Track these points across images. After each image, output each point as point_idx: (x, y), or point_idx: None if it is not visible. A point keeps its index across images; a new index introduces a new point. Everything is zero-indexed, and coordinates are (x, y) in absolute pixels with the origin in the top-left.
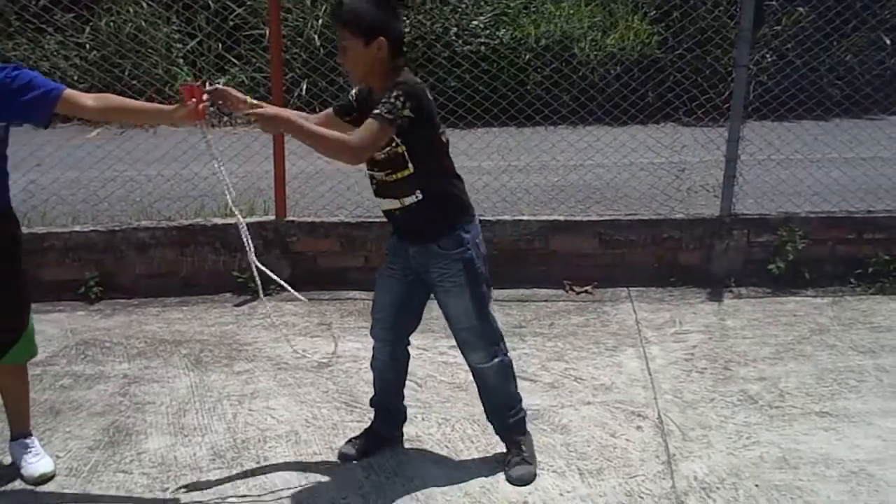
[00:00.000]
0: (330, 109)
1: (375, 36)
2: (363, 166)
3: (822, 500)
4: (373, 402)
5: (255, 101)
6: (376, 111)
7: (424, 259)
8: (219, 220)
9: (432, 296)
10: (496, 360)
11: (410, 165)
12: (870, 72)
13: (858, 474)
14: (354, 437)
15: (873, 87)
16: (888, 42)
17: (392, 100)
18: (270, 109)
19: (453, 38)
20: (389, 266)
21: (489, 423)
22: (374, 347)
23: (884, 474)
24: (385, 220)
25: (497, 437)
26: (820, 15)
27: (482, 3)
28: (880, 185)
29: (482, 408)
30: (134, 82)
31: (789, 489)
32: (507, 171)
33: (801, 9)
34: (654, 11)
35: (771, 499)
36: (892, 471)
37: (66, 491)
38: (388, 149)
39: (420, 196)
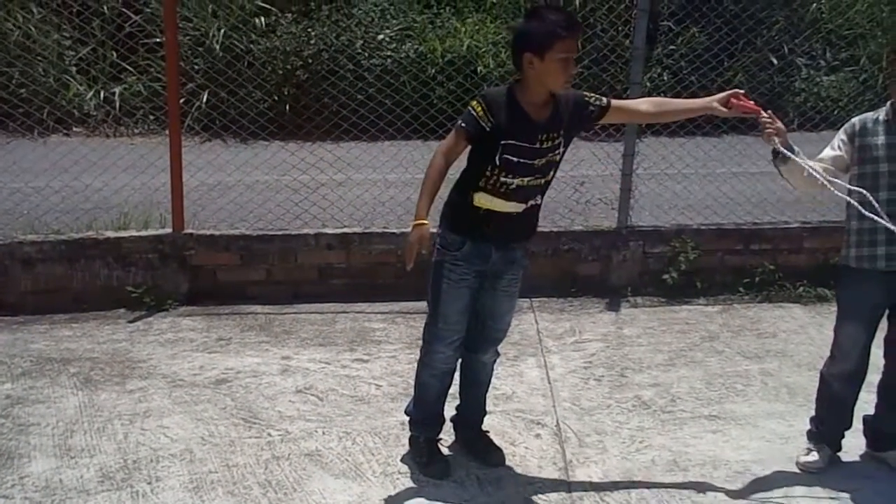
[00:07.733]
0: (457, 145)
1: None
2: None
3: (709, 499)
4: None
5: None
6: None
7: (503, 265)
8: (111, 234)
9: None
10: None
11: (553, 172)
12: (756, 90)
13: (744, 474)
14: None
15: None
16: (774, 62)
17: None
18: None
19: (359, 50)
20: (463, 276)
21: (464, 425)
22: (440, 359)
23: (766, 473)
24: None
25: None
26: (710, 36)
27: (388, 17)
28: (766, 199)
29: (469, 411)
30: (21, 91)
31: (679, 490)
32: (412, 183)
33: (694, 30)
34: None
35: (661, 500)
36: (774, 470)
37: None
38: (550, 155)
39: (539, 200)
